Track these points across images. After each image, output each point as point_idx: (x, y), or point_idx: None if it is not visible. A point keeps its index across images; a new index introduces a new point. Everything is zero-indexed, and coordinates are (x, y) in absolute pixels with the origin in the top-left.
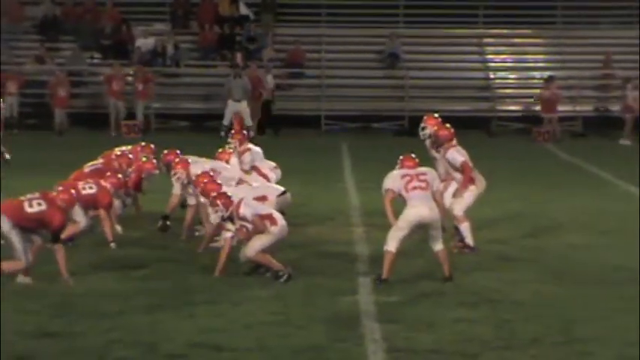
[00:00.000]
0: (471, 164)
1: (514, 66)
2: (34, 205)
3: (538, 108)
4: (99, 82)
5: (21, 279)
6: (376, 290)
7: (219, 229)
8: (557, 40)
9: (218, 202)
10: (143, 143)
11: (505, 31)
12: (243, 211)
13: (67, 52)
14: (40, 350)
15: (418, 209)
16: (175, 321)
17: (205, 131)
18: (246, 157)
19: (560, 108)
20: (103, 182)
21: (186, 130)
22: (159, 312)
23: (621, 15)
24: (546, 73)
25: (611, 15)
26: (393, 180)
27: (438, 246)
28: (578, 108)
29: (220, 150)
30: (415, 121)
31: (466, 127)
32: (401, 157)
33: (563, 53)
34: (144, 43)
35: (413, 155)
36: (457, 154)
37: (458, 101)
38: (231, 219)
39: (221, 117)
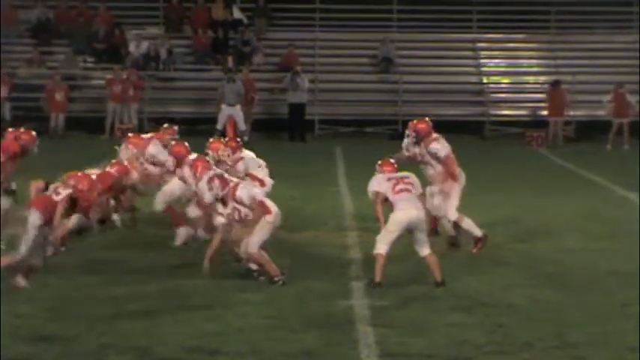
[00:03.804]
0: (453, 157)
1: (507, 70)
2: (60, 192)
3: (544, 112)
4: (92, 85)
5: (18, 280)
6: (370, 294)
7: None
8: (550, 45)
9: (215, 180)
10: (166, 125)
11: (499, 35)
12: (240, 193)
13: (60, 55)
14: (34, 354)
15: (407, 211)
16: (169, 325)
17: (198, 135)
18: (240, 165)
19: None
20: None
21: (178, 134)
22: (153, 316)
23: (615, 20)
24: (540, 78)
25: (605, 20)
26: (379, 182)
27: (426, 250)
28: (572, 113)
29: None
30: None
31: (459, 131)
32: (379, 162)
33: (557, 58)
34: (137, 47)
35: (392, 160)
36: (439, 146)
37: (451, 105)
38: (224, 201)
39: (214, 121)
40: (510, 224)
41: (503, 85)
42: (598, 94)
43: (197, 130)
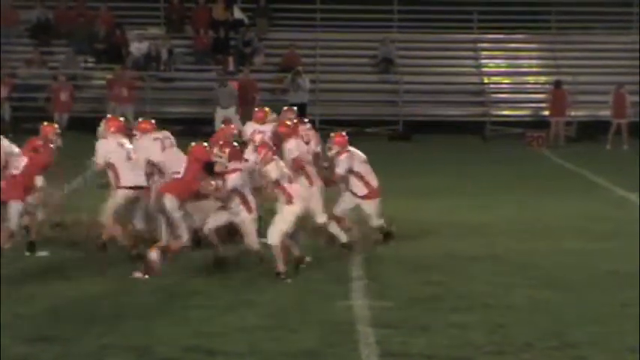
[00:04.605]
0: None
1: (508, 71)
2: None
3: (545, 113)
4: (92, 85)
5: (137, 274)
6: (370, 295)
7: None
8: (551, 46)
9: (226, 149)
10: (286, 107)
11: (499, 35)
12: (234, 178)
13: (61, 55)
14: (34, 354)
15: (303, 202)
16: (169, 325)
17: (199, 136)
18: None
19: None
20: None
21: (179, 134)
22: (153, 316)
23: (615, 20)
24: (541, 78)
25: (606, 20)
26: (280, 170)
27: (296, 250)
28: (573, 113)
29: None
30: (409, 126)
31: (460, 131)
32: (257, 145)
33: (557, 58)
34: (138, 47)
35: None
36: (294, 150)
37: (452, 106)
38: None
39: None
40: (510, 224)
41: (504, 86)
42: (598, 94)
43: (197, 130)
